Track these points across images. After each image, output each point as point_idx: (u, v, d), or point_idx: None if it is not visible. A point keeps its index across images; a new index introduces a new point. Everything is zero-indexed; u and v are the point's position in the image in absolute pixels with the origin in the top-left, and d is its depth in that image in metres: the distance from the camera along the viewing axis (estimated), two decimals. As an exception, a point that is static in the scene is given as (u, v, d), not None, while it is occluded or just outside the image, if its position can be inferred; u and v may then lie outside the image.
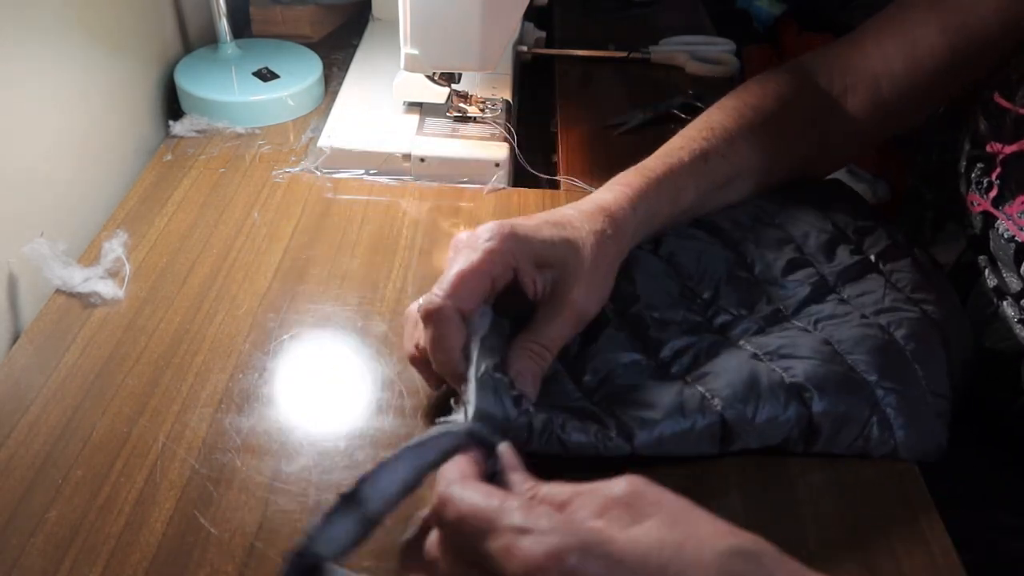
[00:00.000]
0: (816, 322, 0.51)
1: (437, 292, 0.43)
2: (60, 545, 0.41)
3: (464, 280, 0.43)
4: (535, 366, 0.44)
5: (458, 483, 0.33)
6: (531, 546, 0.29)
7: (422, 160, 0.69)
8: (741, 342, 0.50)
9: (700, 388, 0.47)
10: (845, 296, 0.53)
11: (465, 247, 0.45)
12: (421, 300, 0.44)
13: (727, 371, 0.47)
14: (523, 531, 0.30)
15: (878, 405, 0.47)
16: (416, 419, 0.49)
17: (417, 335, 0.46)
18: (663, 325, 0.51)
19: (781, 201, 0.60)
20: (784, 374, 0.47)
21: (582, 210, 0.49)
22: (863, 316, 0.51)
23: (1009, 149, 0.54)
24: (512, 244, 0.44)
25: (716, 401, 0.46)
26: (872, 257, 0.56)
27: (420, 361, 0.47)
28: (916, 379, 0.48)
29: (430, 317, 0.43)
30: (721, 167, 0.56)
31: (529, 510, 0.30)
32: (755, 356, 0.48)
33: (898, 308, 0.52)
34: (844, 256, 0.56)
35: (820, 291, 0.54)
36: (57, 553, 0.41)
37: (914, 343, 0.49)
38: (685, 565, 0.29)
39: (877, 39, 0.61)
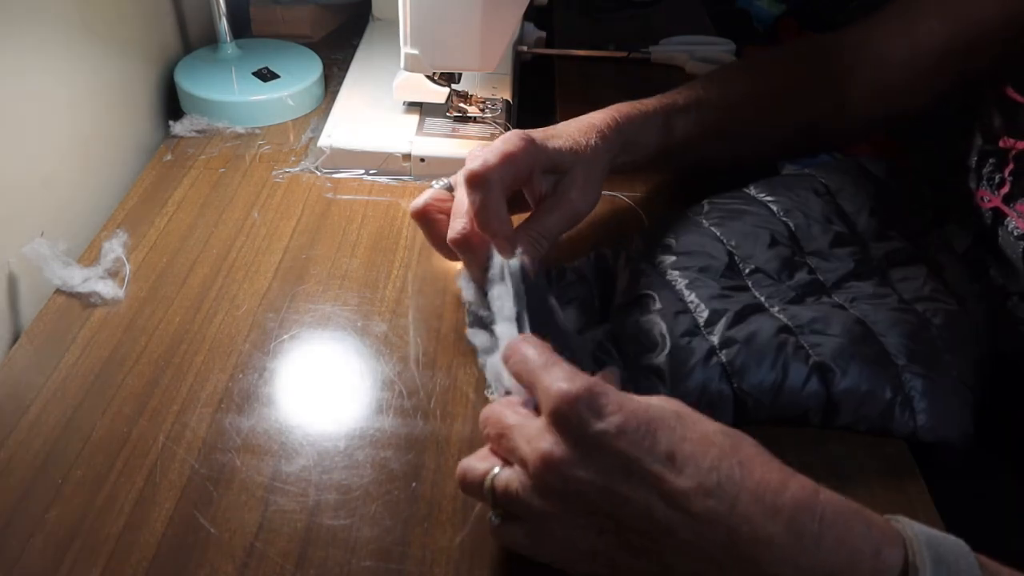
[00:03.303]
0: (853, 299, 0.52)
1: (483, 161, 0.47)
2: (60, 545, 0.41)
3: (506, 159, 0.48)
4: (535, 251, 0.50)
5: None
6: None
7: (422, 160, 0.69)
8: (775, 309, 0.51)
9: (723, 357, 0.47)
10: (888, 279, 0.54)
11: (493, 145, 0.49)
12: (461, 172, 0.49)
13: (752, 343, 0.48)
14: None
15: (902, 387, 0.47)
16: (416, 419, 0.49)
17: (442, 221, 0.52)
18: (701, 284, 0.52)
19: (837, 172, 0.61)
20: (811, 351, 0.48)
21: (576, 127, 0.55)
22: (901, 300, 0.52)
23: (1022, 145, 0.54)
24: (533, 150, 0.50)
25: (735, 374, 0.47)
26: (921, 244, 0.56)
27: (463, 243, 0.49)
28: (946, 368, 0.49)
29: (477, 182, 0.47)
30: (712, 118, 0.61)
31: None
32: (785, 328, 0.49)
33: (937, 298, 0.52)
34: (895, 238, 0.56)
35: (863, 269, 0.54)
36: (57, 553, 0.41)
37: (948, 333, 0.50)
38: (686, 419, 0.35)
39: (882, 25, 0.64)
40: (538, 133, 0.52)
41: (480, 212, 0.48)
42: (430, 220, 0.53)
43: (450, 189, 0.53)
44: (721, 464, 0.33)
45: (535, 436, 0.35)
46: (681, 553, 0.33)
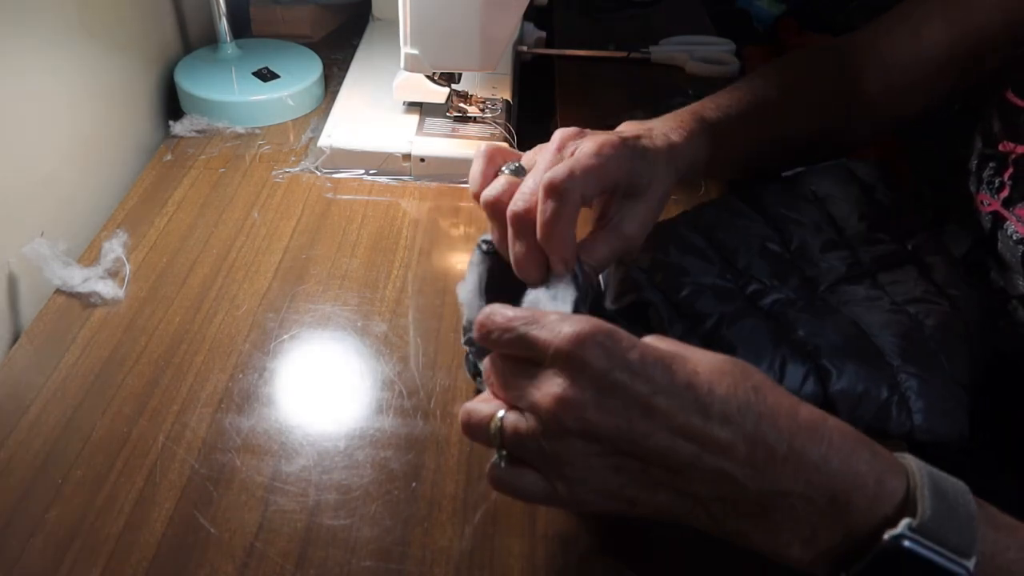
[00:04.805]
0: (846, 303, 0.52)
1: (568, 171, 0.42)
2: (60, 545, 0.41)
3: (594, 172, 0.43)
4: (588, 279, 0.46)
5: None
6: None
7: (422, 160, 0.69)
8: (769, 312, 0.51)
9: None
10: (878, 282, 0.54)
11: (585, 147, 0.44)
12: (547, 173, 0.42)
13: (749, 343, 0.48)
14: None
15: (898, 387, 0.47)
16: (416, 419, 0.49)
17: (502, 184, 0.45)
18: (696, 291, 0.52)
19: (827, 178, 0.61)
20: (806, 352, 0.48)
21: (660, 147, 0.49)
22: (893, 303, 0.52)
23: (1022, 149, 0.54)
24: (627, 164, 0.45)
25: None
26: (910, 247, 0.56)
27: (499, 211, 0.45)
28: (941, 368, 0.49)
29: (554, 192, 0.41)
30: (760, 130, 0.60)
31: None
32: (780, 330, 0.49)
33: (929, 299, 0.52)
34: (884, 242, 0.56)
35: (855, 273, 0.54)
36: (57, 553, 0.41)
37: (941, 333, 0.50)
38: (691, 353, 0.36)
39: (886, 29, 0.65)
40: (634, 143, 0.47)
41: (547, 225, 0.42)
42: (501, 213, 0.45)
43: (519, 172, 0.47)
44: (737, 391, 0.34)
45: (543, 380, 0.34)
46: (707, 481, 0.34)
